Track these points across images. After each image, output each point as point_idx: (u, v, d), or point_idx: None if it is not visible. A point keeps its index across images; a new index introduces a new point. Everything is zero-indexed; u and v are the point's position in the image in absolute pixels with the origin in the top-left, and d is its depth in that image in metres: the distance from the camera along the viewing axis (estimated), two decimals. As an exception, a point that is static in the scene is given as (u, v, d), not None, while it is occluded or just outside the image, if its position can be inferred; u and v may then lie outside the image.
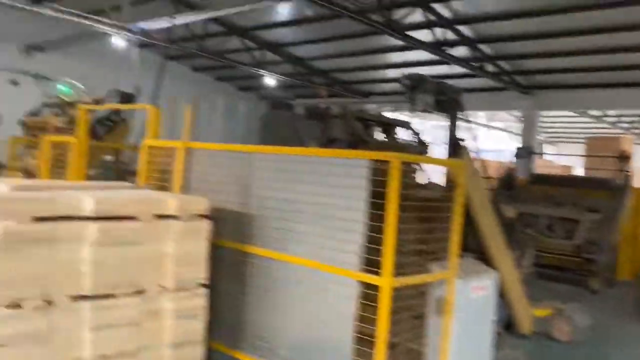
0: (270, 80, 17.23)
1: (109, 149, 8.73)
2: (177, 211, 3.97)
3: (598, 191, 9.10)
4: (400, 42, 12.69)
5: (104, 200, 3.63)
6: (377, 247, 3.73)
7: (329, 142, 8.20)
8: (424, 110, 4.49)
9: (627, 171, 9.44)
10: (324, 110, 8.07)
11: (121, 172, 9.68)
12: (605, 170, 17.32)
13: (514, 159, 10.50)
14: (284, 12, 13.77)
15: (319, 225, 4.00)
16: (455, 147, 4.54)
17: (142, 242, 3.81)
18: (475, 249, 4.92)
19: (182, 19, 12.94)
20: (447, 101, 4.51)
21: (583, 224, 8.27)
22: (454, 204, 4.24)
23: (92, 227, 3.54)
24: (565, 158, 23.70)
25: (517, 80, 15.43)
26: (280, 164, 4.32)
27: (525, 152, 8.27)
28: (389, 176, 3.63)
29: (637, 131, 22.58)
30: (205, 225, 4.13)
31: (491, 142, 25.45)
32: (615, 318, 7.32)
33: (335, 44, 15.18)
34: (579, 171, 20.47)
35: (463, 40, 13.13)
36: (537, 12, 11.47)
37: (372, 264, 3.78)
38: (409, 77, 4.50)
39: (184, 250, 4.01)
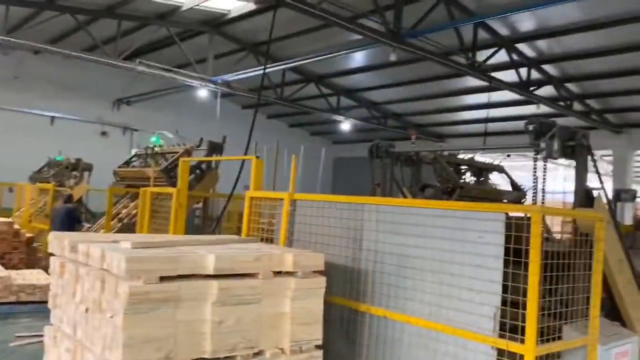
0: (345, 125, 17.29)
1: (199, 198, 8.84)
2: (295, 267, 3.80)
3: None
4: (483, 83, 12.40)
5: (225, 257, 3.52)
6: (513, 309, 3.39)
7: (421, 189, 7.97)
8: (549, 157, 4.16)
9: None
10: (416, 155, 7.86)
11: (209, 220, 9.80)
12: None
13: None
14: (359, 58, 13.89)
15: (444, 284, 3.70)
16: (587, 196, 4.16)
17: (260, 301, 3.65)
18: (608, 309, 4.43)
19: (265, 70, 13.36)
20: (575, 146, 4.16)
21: None
22: (590, 260, 3.84)
23: (214, 286, 3.43)
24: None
25: (607, 118, 14.65)
26: (397, 216, 4.09)
27: (629, 195, 7.59)
28: (526, 230, 3.31)
29: None
30: (322, 282, 3.93)
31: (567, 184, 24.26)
32: None
33: (410, 88, 15.09)
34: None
35: (549, 80, 12.69)
36: (622, 49, 10.94)
37: (505, 329, 3.42)
38: (534, 121, 4.20)
39: (300, 309, 3.81)
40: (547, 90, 12.87)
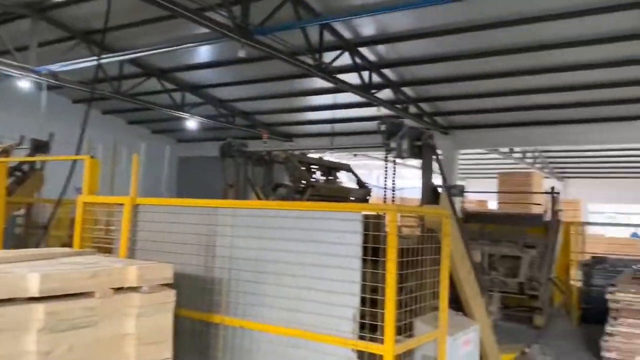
0: (191, 123, 16.58)
1: (21, 204, 7.72)
2: (139, 282, 3.38)
3: (531, 227, 9.39)
4: (330, 85, 12.70)
5: (53, 275, 2.99)
6: (371, 309, 3.37)
7: (274, 188, 7.85)
8: (399, 156, 4.27)
9: (558, 206, 9.86)
10: (268, 154, 7.72)
11: (33, 229, 8.63)
12: (518, 204, 18.30)
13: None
14: (205, 53, 13.39)
15: (303, 287, 3.57)
16: (433, 193, 4.34)
17: (97, 323, 3.18)
18: (450, 299, 4.69)
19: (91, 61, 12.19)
20: (422, 146, 4.32)
21: (524, 261, 8.42)
22: (437, 255, 4.00)
23: (39, 310, 2.89)
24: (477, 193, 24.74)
25: (437, 120, 15.99)
26: (254, 219, 3.86)
27: (457, 191, 8.30)
28: (383, 229, 3.31)
29: (538, 165, 24.21)
30: (171, 296, 3.56)
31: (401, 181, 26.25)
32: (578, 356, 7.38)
33: (259, 86, 14.96)
34: (493, 205, 21.44)
35: (388, 83, 13.43)
36: (449, 57, 11.98)
37: (364, 329, 3.40)
38: (386, 122, 4.27)
39: (147, 328, 3.40)
40: (386, 94, 13.61)
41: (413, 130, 4.32)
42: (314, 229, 3.55)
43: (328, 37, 11.12)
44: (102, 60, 12.17)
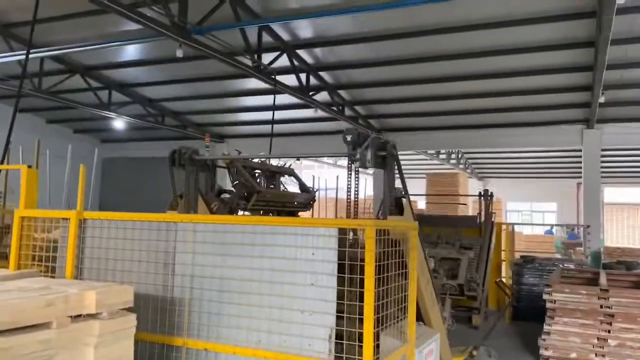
0: (118, 123, 15.78)
1: None
2: (98, 307, 3.11)
3: (467, 229, 9.72)
4: (267, 86, 12.53)
5: (5, 307, 2.66)
6: (346, 329, 3.29)
7: (217, 195, 7.59)
8: (362, 166, 4.22)
9: (491, 208, 10.27)
10: (208, 159, 7.44)
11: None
12: (447, 204, 18.96)
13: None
14: (133, 50, 12.77)
15: (275, 307, 3.42)
16: (396, 203, 4.33)
17: (54, 357, 2.88)
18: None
19: (16, 56, 11.30)
20: (386, 156, 4.30)
21: (463, 262, 8.69)
22: (401, 267, 3.98)
23: (-14, 349, 2.57)
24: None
25: (371, 123, 16.24)
26: (218, 235, 3.66)
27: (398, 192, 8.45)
28: (358, 245, 3.24)
29: (462, 166, 25.27)
30: (132, 321, 3.30)
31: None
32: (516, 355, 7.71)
33: (191, 85, 14.50)
34: (421, 206, 22.12)
35: (325, 86, 13.46)
36: (387, 62, 12.21)
37: (338, 348, 3.32)
38: (350, 132, 4.20)
39: (107, 357, 3.14)
40: (322, 96, 13.63)
41: (377, 141, 4.29)
42: (285, 245, 3.41)
43: (267, 38, 10.96)
44: (20, 56, 11.36)
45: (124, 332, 3.25)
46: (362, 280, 3.16)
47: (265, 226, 3.56)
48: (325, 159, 26.28)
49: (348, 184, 4.22)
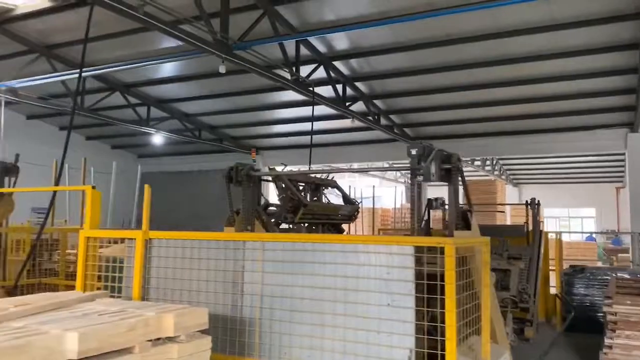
0: (157, 138, 16.01)
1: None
2: (176, 331, 3.09)
3: (514, 239, 9.48)
4: (301, 97, 12.55)
5: (91, 334, 2.65)
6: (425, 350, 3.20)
7: (264, 208, 7.57)
8: (426, 180, 4.13)
9: (538, 217, 10.00)
10: (267, 174, 7.44)
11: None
12: (484, 212, 18.61)
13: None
14: (171, 67, 12.95)
15: (349, 327, 3.34)
16: (463, 217, 4.23)
17: (136, 382, 2.86)
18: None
19: (56, 77, 11.58)
20: (450, 169, 4.21)
21: (514, 273, 8.47)
22: (466, 280, 3.87)
23: (78, 376, 2.56)
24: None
25: (406, 132, 16.11)
26: (287, 254, 3.61)
27: (438, 203, 8.23)
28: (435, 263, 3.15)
29: (497, 173, 24.84)
30: (207, 344, 3.27)
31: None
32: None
33: (226, 100, 14.61)
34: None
35: (360, 96, 13.42)
36: (422, 70, 12.10)
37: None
38: (415, 146, 4.13)
39: (186, 381, 3.11)
40: (358, 106, 13.58)
41: (441, 154, 4.20)
42: (359, 263, 3.34)
43: (304, 51, 10.99)
44: (66, 76, 11.64)
45: (200, 355, 3.22)
46: (442, 300, 3.07)
47: (334, 244, 3.50)
48: (355, 167, 26.18)
49: (412, 197, 4.13)
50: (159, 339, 3.04)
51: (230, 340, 3.72)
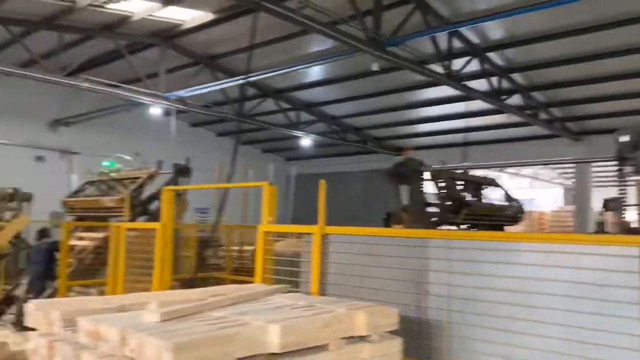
0: (305, 141, 16.50)
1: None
2: (368, 330, 2.95)
3: None
4: (453, 93, 12.04)
5: (291, 327, 2.61)
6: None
7: (424, 206, 7.29)
8: (638, 172, 3.57)
9: None
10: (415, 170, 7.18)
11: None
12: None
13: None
14: (319, 71, 13.19)
15: (555, 338, 2.96)
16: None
17: (332, 381, 2.76)
18: None
19: (220, 85, 12.36)
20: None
21: None
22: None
23: (280, 369, 2.52)
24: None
25: (567, 126, 14.73)
26: (476, 253, 3.32)
27: (617, 204, 7.27)
28: None
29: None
30: (398, 346, 3.10)
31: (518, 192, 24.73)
32: None
33: (370, 101, 14.53)
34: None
35: (517, 89, 12.52)
36: (582, 58, 10.92)
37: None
38: (626, 132, 3.59)
39: (378, 384, 2.96)
40: (514, 100, 12.68)
41: (657, 141, 3.60)
42: (564, 266, 2.94)
43: (456, 43, 10.50)
44: (225, 85, 12.41)
45: (391, 357, 3.06)
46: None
47: (534, 243, 3.13)
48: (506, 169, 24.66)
49: (620, 193, 3.59)
50: (351, 337, 2.93)
51: (414, 343, 3.51)
